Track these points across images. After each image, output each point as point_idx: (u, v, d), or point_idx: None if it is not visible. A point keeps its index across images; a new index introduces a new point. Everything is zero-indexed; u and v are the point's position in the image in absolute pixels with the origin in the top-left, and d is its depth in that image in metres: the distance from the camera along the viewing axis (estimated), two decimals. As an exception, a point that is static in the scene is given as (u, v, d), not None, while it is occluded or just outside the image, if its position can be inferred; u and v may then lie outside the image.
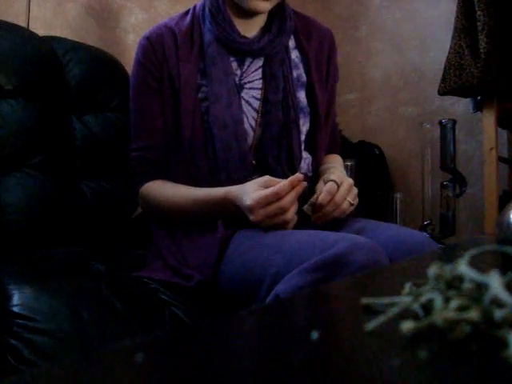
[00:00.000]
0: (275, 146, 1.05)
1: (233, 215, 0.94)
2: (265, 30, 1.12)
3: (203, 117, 1.04)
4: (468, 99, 1.91)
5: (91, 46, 1.54)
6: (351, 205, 0.97)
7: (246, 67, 1.09)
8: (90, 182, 1.36)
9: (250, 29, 1.11)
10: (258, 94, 1.07)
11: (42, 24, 1.71)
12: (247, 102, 1.07)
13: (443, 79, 1.75)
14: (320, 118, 1.13)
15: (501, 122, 1.84)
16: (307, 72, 1.14)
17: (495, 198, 1.72)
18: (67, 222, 1.26)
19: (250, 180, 0.95)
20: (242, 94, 1.07)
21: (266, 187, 0.89)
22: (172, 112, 1.06)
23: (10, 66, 1.25)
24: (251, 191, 0.89)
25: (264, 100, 1.07)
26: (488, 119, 1.75)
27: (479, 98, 1.80)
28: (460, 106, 2.27)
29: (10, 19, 1.39)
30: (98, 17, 1.88)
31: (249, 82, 1.08)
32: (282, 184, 0.86)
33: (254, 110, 1.07)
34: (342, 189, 0.95)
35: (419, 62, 2.45)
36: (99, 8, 1.90)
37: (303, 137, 1.11)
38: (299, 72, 1.13)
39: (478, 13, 1.64)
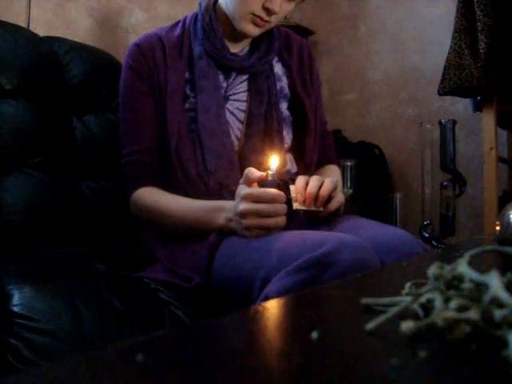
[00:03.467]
0: (258, 154, 1.08)
1: (223, 227, 0.93)
2: (252, 47, 1.17)
3: (189, 126, 1.06)
4: (468, 99, 1.92)
5: (91, 47, 1.54)
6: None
7: (231, 80, 1.13)
8: (90, 181, 1.36)
9: (238, 46, 1.15)
10: (242, 105, 1.11)
11: (43, 24, 1.71)
12: (232, 113, 1.10)
13: (443, 79, 1.75)
14: (309, 123, 1.17)
15: (501, 122, 1.84)
16: (292, 83, 1.18)
17: (495, 198, 1.72)
18: (67, 222, 1.26)
19: (237, 186, 0.96)
20: (227, 106, 1.10)
21: (249, 180, 0.88)
22: (160, 119, 1.08)
23: (11, 66, 1.25)
24: (241, 190, 0.88)
25: (248, 112, 1.11)
26: (488, 119, 1.75)
27: (479, 98, 1.80)
28: (460, 106, 2.28)
29: (10, 19, 1.39)
30: (98, 17, 1.89)
31: (234, 94, 1.12)
32: (278, 192, 0.86)
33: (239, 120, 1.10)
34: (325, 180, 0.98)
35: (419, 62, 2.45)
36: (99, 8, 1.90)
37: (287, 145, 1.14)
38: (282, 84, 1.18)
39: (478, 13, 1.64)
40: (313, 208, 0.97)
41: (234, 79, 1.13)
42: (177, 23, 1.17)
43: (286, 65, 1.20)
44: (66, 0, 1.80)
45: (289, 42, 1.23)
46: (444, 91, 1.77)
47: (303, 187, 0.96)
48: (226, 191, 1.03)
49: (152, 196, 1.06)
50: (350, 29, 2.71)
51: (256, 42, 1.17)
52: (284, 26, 1.31)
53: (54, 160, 1.28)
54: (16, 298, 0.84)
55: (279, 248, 0.82)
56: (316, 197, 0.96)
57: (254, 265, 0.84)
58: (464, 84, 1.68)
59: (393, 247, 0.89)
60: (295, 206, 0.96)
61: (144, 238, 1.13)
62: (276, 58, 1.19)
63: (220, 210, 0.93)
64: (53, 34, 1.55)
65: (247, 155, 1.08)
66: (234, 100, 1.11)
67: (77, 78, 1.39)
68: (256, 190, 0.86)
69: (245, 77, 1.13)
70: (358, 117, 2.67)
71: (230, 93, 1.12)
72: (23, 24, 1.62)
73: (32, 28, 1.62)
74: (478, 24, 1.64)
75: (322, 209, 0.97)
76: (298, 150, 1.17)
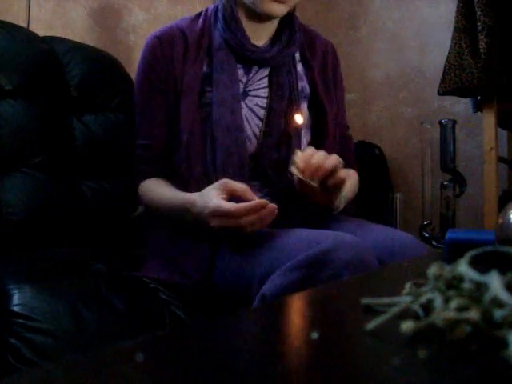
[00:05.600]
0: (274, 153, 1.05)
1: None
2: (274, 39, 1.13)
3: (204, 122, 1.04)
4: (468, 99, 1.91)
5: (91, 46, 1.54)
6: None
7: (252, 75, 1.09)
8: (90, 181, 1.36)
9: (259, 36, 1.12)
10: (262, 102, 1.08)
11: (42, 24, 1.71)
12: (251, 109, 1.07)
13: (443, 79, 1.75)
14: (328, 128, 1.13)
15: (501, 122, 1.84)
16: (312, 84, 1.14)
17: (495, 198, 1.72)
18: (67, 222, 1.26)
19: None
20: (246, 101, 1.07)
21: (225, 191, 0.87)
22: (173, 114, 1.06)
23: (11, 65, 1.25)
24: (210, 198, 0.87)
25: (268, 108, 1.07)
26: (488, 119, 1.75)
27: (479, 97, 1.80)
28: (460, 106, 2.27)
29: (10, 19, 1.39)
30: (98, 17, 1.88)
31: (254, 89, 1.08)
32: (239, 207, 0.84)
33: (258, 117, 1.07)
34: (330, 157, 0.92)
35: (419, 62, 2.45)
36: (99, 8, 1.90)
37: (303, 147, 1.10)
38: (303, 84, 1.14)
39: (478, 13, 1.64)
40: (309, 181, 0.92)
41: (254, 74, 1.10)
42: (198, 15, 1.14)
43: (308, 65, 1.16)
44: (66, 0, 1.80)
45: (313, 41, 1.20)
46: (444, 91, 1.76)
47: (309, 157, 0.92)
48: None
49: (152, 186, 1.07)
50: (350, 29, 2.70)
51: (277, 35, 1.13)
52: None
53: (53, 160, 1.28)
54: (16, 298, 0.84)
55: (277, 246, 0.83)
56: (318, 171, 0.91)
57: (253, 263, 0.84)
58: (464, 84, 1.68)
59: (397, 250, 0.88)
60: (293, 170, 0.92)
61: (148, 232, 1.12)
62: (298, 57, 1.16)
63: (191, 205, 0.92)
64: (52, 33, 1.54)
65: (263, 154, 1.05)
66: (254, 96, 1.08)
67: (77, 78, 1.39)
68: (222, 207, 0.84)
69: (266, 72, 1.10)
70: (358, 117, 2.67)
71: (250, 88, 1.08)
72: (23, 24, 1.61)
73: (32, 28, 1.62)
74: (478, 24, 1.64)
75: (316, 184, 0.92)
76: None
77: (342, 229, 1.00)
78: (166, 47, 1.07)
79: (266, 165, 1.04)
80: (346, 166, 1.19)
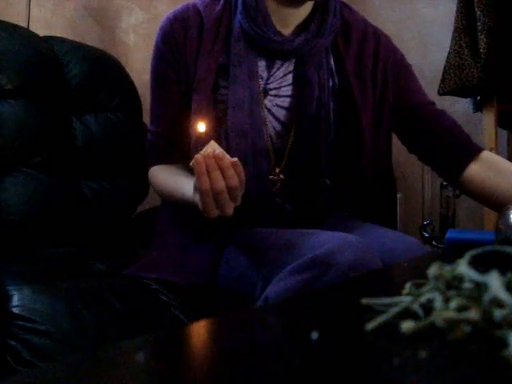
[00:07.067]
0: (305, 164, 0.94)
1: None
2: (302, 27, 0.97)
3: (217, 121, 0.92)
4: (468, 99, 1.92)
5: (91, 46, 1.54)
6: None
7: (274, 70, 0.96)
8: (90, 182, 1.36)
9: (287, 23, 0.96)
10: (284, 102, 0.95)
11: (42, 24, 1.71)
12: (269, 110, 0.94)
13: (443, 79, 1.75)
14: (362, 125, 0.97)
15: (501, 122, 1.84)
16: (343, 78, 0.98)
17: (495, 198, 1.72)
18: (67, 222, 1.26)
19: (267, 203, 0.92)
20: (265, 102, 0.94)
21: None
22: (185, 104, 0.95)
23: (11, 66, 1.25)
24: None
25: (296, 111, 0.94)
26: (488, 119, 1.75)
27: (479, 98, 1.80)
28: (460, 106, 2.27)
29: (10, 19, 1.39)
30: (97, 17, 1.88)
31: (275, 88, 0.95)
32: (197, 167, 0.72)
33: (277, 119, 0.95)
34: None
35: (419, 62, 2.45)
36: (99, 8, 1.90)
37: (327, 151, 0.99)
38: (335, 81, 0.99)
39: (478, 13, 1.64)
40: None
41: (278, 69, 0.95)
42: None
43: (339, 57, 0.98)
44: (66, 0, 1.80)
45: (349, 27, 1.00)
46: (444, 91, 1.77)
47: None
48: (252, 201, 0.89)
49: (160, 173, 0.99)
50: (350, 29, 2.71)
51: (306, 23, 0.97)
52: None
53: (54, 160, 1.28)
54: (15, 299, 0.84)
55: (282, 247, 0.81)
56: None
57: (257, 264, 0.83)
58: (464, 84, 1.68)
59: (400, 254, 0.87)
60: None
61: (154, 229, 1.10)
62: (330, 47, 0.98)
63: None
64: (52, 33, 1.54)
65: (293, 166, 0.94)
66: (275, 95, 0.94)
67: (77, 77, 1.39)
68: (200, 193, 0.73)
69: (291, 67, 0.95)
70: (357, 117, 2.67)
71: (271, 86, 0.95)
72: (23, 24, 1.61)
73: (32, 28, 1.62)
74: (478, 24, 1.64)
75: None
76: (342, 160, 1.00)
77: (347, 231, 0.98)
78: (179, 32, 0.96)
79: (297, 181, 0.94)
80: (468, 152, 1.05)
